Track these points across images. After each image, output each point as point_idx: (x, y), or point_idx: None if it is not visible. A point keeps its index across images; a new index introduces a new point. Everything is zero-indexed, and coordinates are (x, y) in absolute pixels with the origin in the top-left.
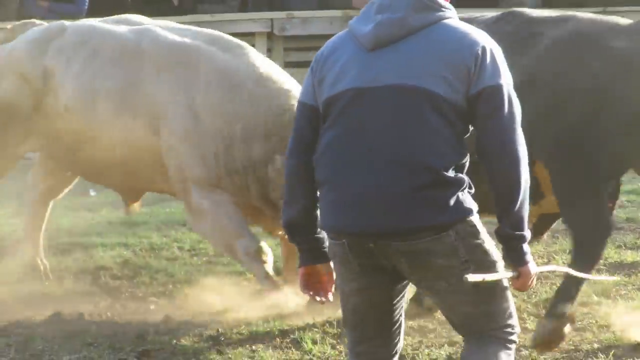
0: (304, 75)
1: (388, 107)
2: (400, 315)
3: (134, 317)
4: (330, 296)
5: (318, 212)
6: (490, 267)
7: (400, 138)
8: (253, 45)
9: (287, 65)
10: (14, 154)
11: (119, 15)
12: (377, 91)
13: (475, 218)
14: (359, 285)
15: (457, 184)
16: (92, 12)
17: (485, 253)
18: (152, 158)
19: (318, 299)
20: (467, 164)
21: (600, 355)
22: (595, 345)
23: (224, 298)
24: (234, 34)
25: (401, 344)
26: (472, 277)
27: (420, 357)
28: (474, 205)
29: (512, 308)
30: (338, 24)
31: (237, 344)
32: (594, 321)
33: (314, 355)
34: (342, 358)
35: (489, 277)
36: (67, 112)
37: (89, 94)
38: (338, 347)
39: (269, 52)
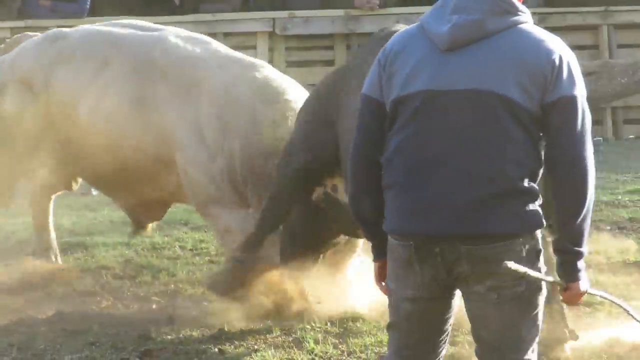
0: (306, 75)
1: (463, 111)
2: (450, 324)
3: (136, 316)
4: None
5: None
6: (536, 291)
7: (477, 144)
8: (255, 45)
9: (289, 65)
10: (24, 167)
11: (122, 21)
12: (452, 95)
13: (539, 233)
14: (416, 294)
15: (531, 194)
16: (95, 12)
17: (539, 272)
18: (157, 171)
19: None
20: (541, 172)
21: (603, 355)
22: (598, 345)
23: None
24: (236, 34)
25: (445, 350)
26: (513, 265)
27: None
28: (542, 220)
29: (536, 346)
30: (340, 24)
31: (239, 343)
32: (596, 320)
33: (316, 355)
34: (344, 358)
35: (532, 273)
36: (77, 121)
37: (98, 105)
38: (340, 346)
39: (271, 52)
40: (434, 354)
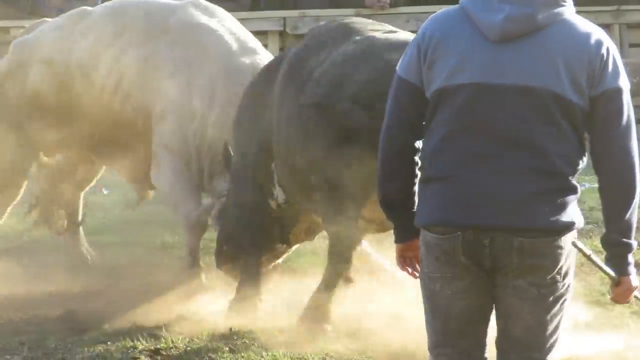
0: None
1: (516, 106)
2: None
3: (146, 315)
4: None
5: (416, 189)
6: (567, 293)
7: (531, 139)
8: (265, 44)
9: None
10: (42, 145)
11: None
12: (504, 89)
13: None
14: (464, 286)
15: (576, 191)
16: None
17: (571, 272)
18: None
19: (416, 274)
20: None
21: (615, 355)
22: (611, 346)
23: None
24: None
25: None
26: (579, 244)
27: None
28: (581, 217)
29: (555, 353)
30: None
31: (250, 342)
32: (607, 321)
33: (327, 355)
34: (355, 357)
35: (595, 258)
36: (94, 82)
37: (113, 66)
38: (351, 345)
39: (282, 51)
40: (484, 346)
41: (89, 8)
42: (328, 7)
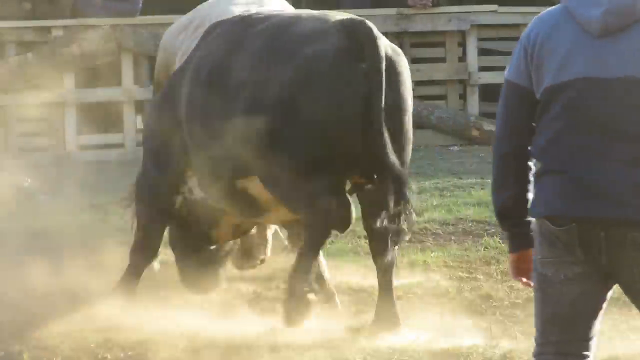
0: None
1: (623, 99)
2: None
3: (186, 314)
4: None
5: (530, 196)
6: None
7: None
8: None
9: None
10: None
11: None
12: (611, 82)
13: None
14: (579, 272)
15: None
16: (145, 12)
17: None
18: None
19: (531, 283)
20: None
21: None
22: None
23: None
24: None
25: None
26: None
27: (474, 356)
28: None
29: None
30: (392, 23)
31: (292, 340)
32: None
33: (368, 354)
34: (396, 356)
35: None
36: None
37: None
38: (392, 345)
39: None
40: (590, 341)
41: (205, 4)
42: (370, 7)
